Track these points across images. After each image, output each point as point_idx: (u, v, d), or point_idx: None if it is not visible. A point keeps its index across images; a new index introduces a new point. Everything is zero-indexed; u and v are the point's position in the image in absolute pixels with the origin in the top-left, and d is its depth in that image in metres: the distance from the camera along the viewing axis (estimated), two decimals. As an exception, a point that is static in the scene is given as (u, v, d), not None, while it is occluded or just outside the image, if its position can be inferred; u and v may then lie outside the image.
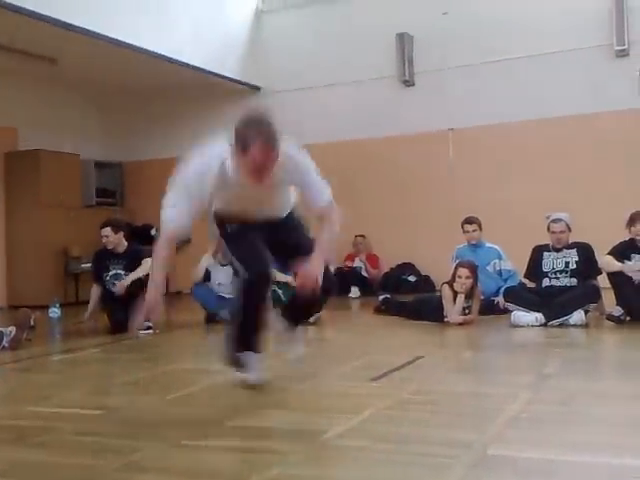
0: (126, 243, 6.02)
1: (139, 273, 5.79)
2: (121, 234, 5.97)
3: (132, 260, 5.90)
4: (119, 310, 5.80)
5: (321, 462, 2.30)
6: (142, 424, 2.80)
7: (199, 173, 2.88)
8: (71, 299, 8.46)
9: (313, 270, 2.84)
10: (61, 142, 9.26)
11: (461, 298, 5.49)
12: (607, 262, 5.23)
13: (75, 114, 9.91)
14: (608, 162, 7.97)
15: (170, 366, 4.32)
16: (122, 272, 5.88)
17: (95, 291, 6.00)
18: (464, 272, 5.50)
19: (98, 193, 9.85)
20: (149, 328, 5.71)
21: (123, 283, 5.83)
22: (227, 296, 6.41)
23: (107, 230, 5.91)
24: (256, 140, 2.69)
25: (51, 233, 8.84)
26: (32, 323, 5.31)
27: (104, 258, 5.98)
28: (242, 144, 2.73)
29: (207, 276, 6.42)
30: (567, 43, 8.17)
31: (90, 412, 3.03)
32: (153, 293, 2.90)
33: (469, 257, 6.11)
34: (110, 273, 5.90)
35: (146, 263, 5.80)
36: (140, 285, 5.76)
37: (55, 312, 5.61)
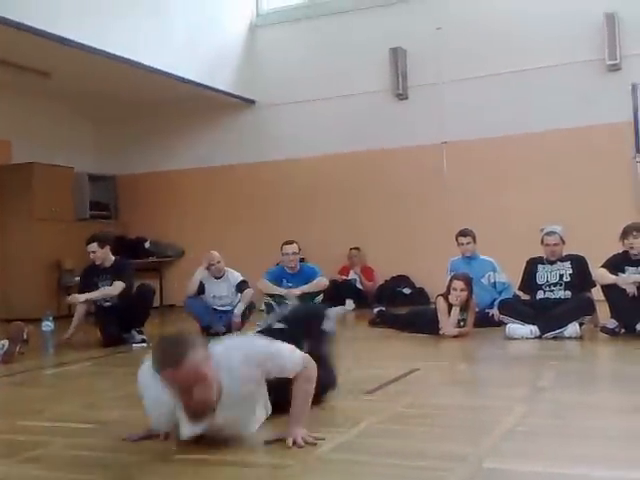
0: (113, 257, 5.96)
1: (105, 292, 5.78)
2: (107, 248, 5.91)
3: (119, 274, 5.87)
4: (111, 324, 5.79)
5: (315, 476, 2.29)
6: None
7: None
8: (64, 312, 8.39)
9: (296, 440, 2.48)
10: (55, 155, 9.26)
11: (456, 310, 5.49)
12: (601, 275, 5.24)
13: (69, 127, 9.92)
14: (601, 175, 8.01)
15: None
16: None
17: (81, 307, 5.97)
18: (459, 284, 5.51)
19: (92, 206, 9.82)
20: (143, 341, 5.69)
21: (79, 298, 5.82)
22: (221, 309, 6.41)
23: (93, 246, 5.83)
24: (159, 367, 2.33)
25: (44, 246, 8.81)
26: (25, 336, 5.28)
27: (92, 274, 5.94)
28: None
29: (201, 289, 6.40)
30: (560, 57, 8.23)
31: (83, 426, 3.01)
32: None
33: (464, 269, 6.12)
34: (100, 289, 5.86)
35: (115, 286, 5.78)
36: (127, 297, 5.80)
37: (48, 325, 5.58)
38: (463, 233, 6.46)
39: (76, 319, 5.96)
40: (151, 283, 6.45)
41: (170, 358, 2.31)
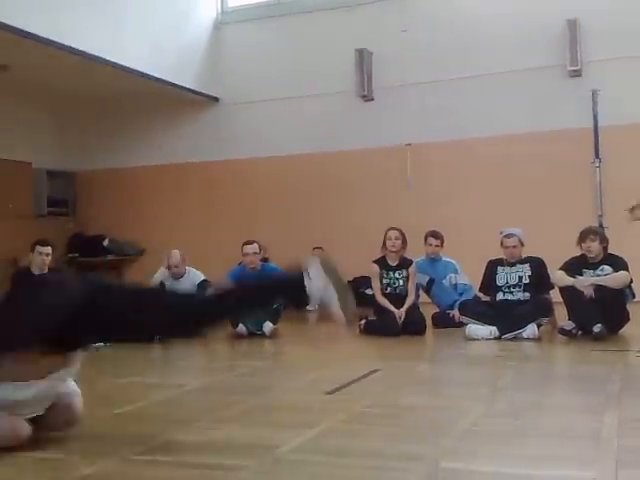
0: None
1: None
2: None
3: None
4: None
5: (272, 477, 2.26)
6: (91, 439, 2.72)
7: None
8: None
9: None
10: (13, 150, 9.03)
11: None
12: (559, 277, 5.31)
13: (28, 122, 9.68)
14: (561, 179, 8.13)
15: (120, 380, 4.23)
16: None
17: None
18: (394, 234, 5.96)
19: (50, 202, 9.62)
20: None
21: None
22: (181, 309, 6.33)
23: (49, 249, 5.79)
24: None
25: (0, 243, 8.60)
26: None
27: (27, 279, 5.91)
28: None
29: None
30: (522, 62, 8.33)
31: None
32: None
33: (427, 270, 6.22)
34: None
35: None
36: None
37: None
38: (435, 235, 6.50)
39: None
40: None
41: None
